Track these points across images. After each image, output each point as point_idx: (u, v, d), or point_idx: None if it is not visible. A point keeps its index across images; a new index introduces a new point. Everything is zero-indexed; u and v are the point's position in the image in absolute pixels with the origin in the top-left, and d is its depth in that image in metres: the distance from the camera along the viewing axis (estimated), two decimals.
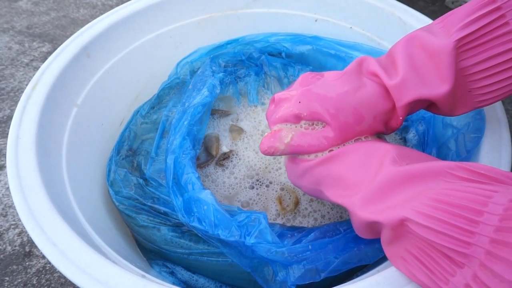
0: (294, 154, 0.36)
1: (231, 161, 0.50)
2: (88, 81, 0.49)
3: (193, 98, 0.46)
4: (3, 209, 0.60)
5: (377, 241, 0.35)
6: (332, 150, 0.34)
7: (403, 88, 0.32)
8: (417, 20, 0.51)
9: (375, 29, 0.55)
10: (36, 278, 0.53)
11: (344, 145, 0.34)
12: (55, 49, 0.59)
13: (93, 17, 0.96)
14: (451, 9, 0.98)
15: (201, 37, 0.58)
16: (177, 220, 0.42)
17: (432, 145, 0.43)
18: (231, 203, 0.47)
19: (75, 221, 0.36)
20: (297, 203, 0.46)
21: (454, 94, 0.32)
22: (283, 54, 0.56)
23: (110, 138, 0.52)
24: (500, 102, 0.40)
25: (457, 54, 0.30)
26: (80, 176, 0.43)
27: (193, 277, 0.42)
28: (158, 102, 0.54)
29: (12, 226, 0.58)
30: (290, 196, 0.47)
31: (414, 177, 0.27)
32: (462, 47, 0.30)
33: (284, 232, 0.38)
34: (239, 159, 0.50)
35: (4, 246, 0.56)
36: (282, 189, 0.47)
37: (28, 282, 0.52)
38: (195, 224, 0.35)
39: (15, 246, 0.56)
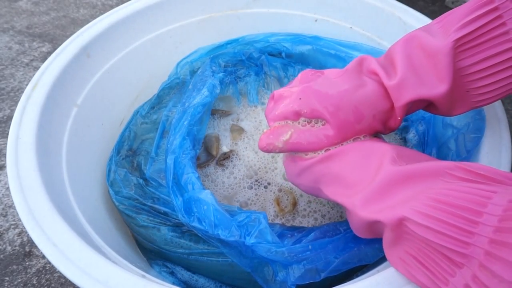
0: (292, 151, 0.36)
1: (231, 161, 0.50)
2: (88, 81, 0.49)
3: (193, 98, 0.46)
4: (3, 209, 0.60)
5: (377, 241, 0.35)
6: (329, 149, 0.34)
7: (401, 88, 0.32)
8: (417, 20, 0.51)
9: (375, 29, 0.55)
10: (36, 278, 0.53)
11: (342, 144, 0.34)
12: (55, 49, 0.59)
13: (93, 17, 0.96)
14: (451, 9, 0.98)
15: (201, 37, 0.58)
16: (177, 220, 0.42)
17: (432, 145, 0.43)
18: (230, 203, 0.47)
19: (75, 221, 0.36)
20: (295, 204, 0.46)
21: (452, 94, 0.32)
22: (283, 54, 0.56)
23: (110, 138, 0.52)
24: (500, 102, 0.40)
25: (455, 54, 0.30)
26: (80, 176, 0.43)
27: (193, 277, 0.42)
28: (158, 102, 0.54)
29: (12, 226, 0.58)
30: (288, 197, 0.46)
31: (413, 177, 0.27)
32: (460, 47, 0.30)
33: (284, 232, 0.38)
34: (239, 159, 0.50)
35: (4, 246, 0.56)
36: (279, 190, 0.47)
37: (28, 282, 0.52)
38: (195, 224, 0.35)
39: (15, 246, 0.56)
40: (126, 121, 0.53)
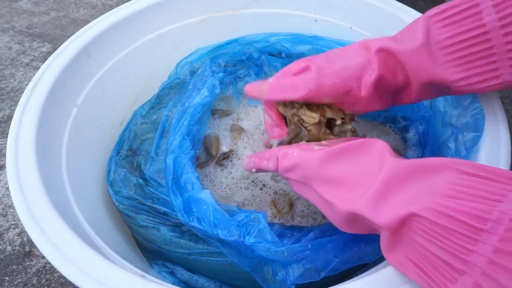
0: (272, 99, 0.38)
1: (231, 160, 0.50)
2: (88, 81, 0.49)
3: (193, 98, 0.46)
4: (3, 209, 0.60)
5: (377, 240, 0.35)
6: (324, 148, 0.33)
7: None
8: None
9: (375, 29, 0.55)
10: (36, 278, 0.53)
11: (333, 140, 0.35)
12: (55, 49, 0.59)
13: (93, 17, 0.96)
14: None
15: (201, 37, 0.58)
16: (176, 220, 0.42)
17: (432, 145, 0.43)
18: (228, 204, 0.47)
19: (75, 221, 0.36)
20: (291, 205, 0.46)
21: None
22: (283, 54, 0.56)
23: (110, 138, 0.52)
24: (499, 101, 0.40)
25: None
26: (80, 176, 0.43)
27: (193, 277, 0.42)
28: (158, 102, 0.54)
29: (12, 226, 0.58)
30: (284, 198, 0.46)
31: (417, 171, 0.26)
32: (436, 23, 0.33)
33: (284, 231, 0.38)
34: (238, 158, 0.50)
35: (4, 246, 0.56)
36: (275, 192, 0.47)
37: (28, 282, 0.52)
38: (195, 223, 0.35)
39: (15, 246, 0.56)
40: (126, 121, 0.53)
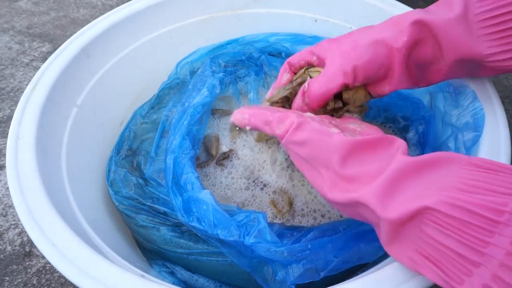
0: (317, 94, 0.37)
1: (231, 160, 0.50)
2: (88, 81, 0.49)
3: (193, 98, 0.46)
4: (3, 209, 0.60)
5: (377, 239, 0.35)
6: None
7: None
8: None
9: None
10: (36, 278, 0.53)
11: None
12: (55, 49, 0.59)
13: (93, 17, 0.96)
14: None
15: (201, 37, 0.58)
16: (176, 220, 0.42)
17: (431, 144, 0.43)
18: (228, 204, 0.47)
19: (75, 221, 0.36)
20: (290, 203, 0.46)
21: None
22: (283, 54, 0.56)
23: (110, 138, 0.52)
24: (499, 101, 0.40)
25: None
26: (80, 176, 0.43)
27: (192, 277, 0.42)
28: (158, 102, 0.54)
29: (12, 226, 0.58)
30: (283, 198, 0.46)
31: (427, 166, 0.26)
32: None
33: (283, 231, 0.38)
34: (238, 158, 0.50)
35: (4, 246, 0.56)
36: (274, 192, 0.47)
37: (28, 282, 0.52)
38: (195, 224, 0.35)
39: (15, 246, 0.56)
40: (126, 121, 0.53)
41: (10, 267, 0.53)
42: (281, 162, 0.48)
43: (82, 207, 0.39)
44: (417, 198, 0.24)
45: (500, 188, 0.22)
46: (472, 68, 0.35)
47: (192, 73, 0.55)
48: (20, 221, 0.57)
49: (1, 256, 0.55)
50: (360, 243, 0.35)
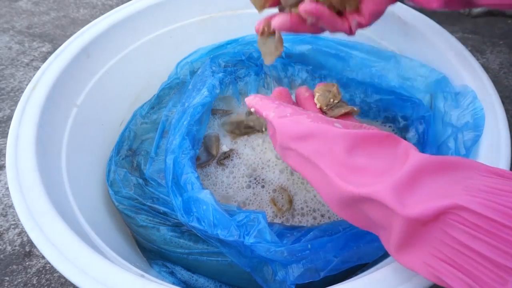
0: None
1: (232, 160, 0.50)
2: (88, 81, 0.49)
3: (193, 98, 0.46)
4: (3, 209, 0.60)
5: (377, 239, 0.35)
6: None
7: None
8: (417, 20, 0.51)
9: (375, 29, 0.55)
10: (36, 278, 0.53)
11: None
12: (55, 49, 0.59)
13: (93, 17, 0.96)
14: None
15: (201, 37, 0.58)
16: (176, 220, 0.42)
17: (432, 144, 0.43)
18: (229, 203, 0.47)
19: (75, 221, 0.37)
20: (291, 201, 0.46)
21: None
22: (283, 54, 0.56)
23: (110, 138, 0.52)
24: (499, 101, 0.40)
25: None
26: (79, 176, 0.43)
27: (192, 277, 0.42)
28: (158, 102, 0.54)
29: (12, 226, 0.58)
30: (283, 195, 0.47)
31: (446, 166, 0.24)
32: None
33: (283, 231, 0.38)
34: (239, 157, 0.50)
35: (4, 246, 0.56)
36: (274, 190, 0.47)
37: (28, 282, 0.52)
38: (194, 224, 0.35)
39: (15, 246, 0.56)
40: (126, 121, 0.53)
41: (10, 267, 0.53)
42: None
43: (82, 207, 0.39)
44: (442, 196, 0.22)
45: None
46: None
47: (192, 73, 0.55)
48: (20, 221, 0.57)
49: (1, 256, 0.55)
50: (360, 243, 0.35)
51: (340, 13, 0.38)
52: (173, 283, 0.41)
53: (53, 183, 0.38)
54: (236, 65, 0.56)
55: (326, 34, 0.56)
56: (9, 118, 0.72)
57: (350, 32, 0.39)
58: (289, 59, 0.57)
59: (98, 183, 0.48)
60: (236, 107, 0.56)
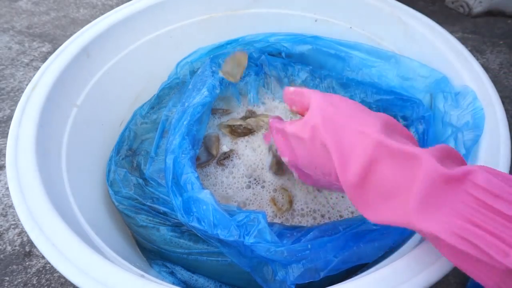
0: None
1: (232, 160, 0.50)
2: (88, 81, 0.49)
3: (193, 98, 0.46)
4: (3, 209, 0.60)
5: (377, 239, 0.35)
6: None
7: None
8: (417, 20, 0.51)
9: (375, 29, 0.55)
10: (36, 278, 0.53)
11: None
12: (55, 49, 0.59)
13: (93, 17, 0.96)
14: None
15: (201, 37, 0.58)
16: (176, 220, 0.42)
17: (431, 144, 0.43)
18: (229, 203, 0.47)
19: (75, 221, 0.36)
20: (291, 202, 0.46)
21: None
22: (283, 54, 0.56)
23: (110, 138, 0.52)
24: (499, 101, 0.40)
25: None
26: (79, 176, 0.43)
27: (192, 277, 0.42)
28: (158, 102, 0.54)
29: (12, 226, 0.58)
30: (283, 195, 0.47)
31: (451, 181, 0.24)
32: None
33: (283, 231, 0.38)
34: (239, 158, 0.50)
35: (4, 246, 0.56)
36: (274, 190, 0.47)
37: (28, 282, 0.52)
38: (194, 224, 0.35)
39: (15, 246, 0.56)
40: (126, 121, 0.53)
41: (10, 267, 0.53)
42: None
43: (82, 207, 0.39)
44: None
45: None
46: None
47: (192, 73, 0.55)
48: (20, 221, 0.57)
49: (1, 256, 0.55)
50: (360, 243, 0.35)
51: None
52: (173, 283, 0.41)
53: (53, 183, 0.38)
54: None
55: (326, 34, 0.57)
56: (9, 118, 0.72)
57: None
58: (289, 59, 0.57)
59: (98, 183, 0.48)
60: (236, 106, 0.56)
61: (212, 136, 0.52)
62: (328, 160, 0.31)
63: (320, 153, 0.32)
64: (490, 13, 0.93)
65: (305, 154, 0.35)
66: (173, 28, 0.57)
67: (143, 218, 0.43)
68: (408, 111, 0.49)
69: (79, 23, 0.95)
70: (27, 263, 0.54)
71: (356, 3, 0.55)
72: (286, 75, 0.57)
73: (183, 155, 0.41)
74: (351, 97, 0.53)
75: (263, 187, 0.48)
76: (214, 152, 0.51)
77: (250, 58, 0.56)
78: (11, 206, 0.60)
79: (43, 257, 0.55)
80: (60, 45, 0.47)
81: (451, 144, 0.41)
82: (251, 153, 0.51)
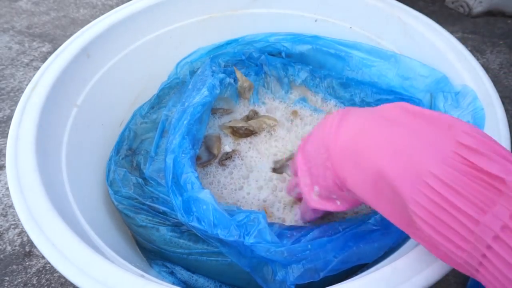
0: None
1: (233, 161, 0.50)
2: (88, 81, 0.49)
3: (193, 98, 0.46)
4: (3, 209, 0.60)
5: (376, 240, 0.35)
6: None
7: None
8: (417, 20, 0.51)
9: (375, 29, 0.55)
10: (36, 278, 0.53)
11: None
12: (55, 49, 0.59)
13: (93, 17, 0.96)
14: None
15: (201, 37, 0.58)
16: (176, 220, 0.42)
17: None
18: (227, 203, 0.47)
19: (74, 221, 0.36)
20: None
21: None
22: (283, 54, 0.56)
23: (110, 138, 0.52)
24: (499, 101, 0.40)
25: None
26: (79, 176, 0.43)
27: (192, 277, 0.42)
28: (158, 102, 0.54)
29: (12, 226, 0.58)
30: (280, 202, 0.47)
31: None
32: None
33: (283, 231, 0.38)
34: (241, 159, 0.50)
35: (4, 246, 0.56)
36: (264, 200, 0.47)
37: (28, 282, 0.52)
38: (194, 223, 0.35)
39: (15, 246, 0.56)
40: (126, 121, 0.53)
41: (10, 267, 0.53)
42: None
43: (82, 207, 0.39)
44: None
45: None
46: None
47: (192, 73, 0.55)
48: (20, 221, 0.57)
49: (1, 256, 0.55)
50: (360, 243, 0.35)
51: None
52: (173, 283, 0.41)
53: (53, 183, 0.38)
54: (236, 65, 0.56)
55: (326, 34, 0.57)
56: (9, 118, 0.72)
57: None
58: (289, 59, 0.57)
59: (98, 183, 0.48)
60: (237, 106, 0.56)
61: (213, 136, 0.52)
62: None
63: None
64: (490, 13, 0.93)
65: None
66: (173, 28, 0.57)
67: (143, 218, 0.43)
68: None
69: (79, 23, 0.95)
70: (27, 263, 0.54)
71: (356, 3, 0.55)
72: (286, 75, 0.57)
73: (183, 155, 0.41)
74: (351, 97, 0.53)
75: (259, 189, 0.48)
76: (215, 152, 0.51)
77: (250, 58, 0.56)
78: (11, 206, 0.60)
79: (43, 257, 0.55)
80: (60, 45, 0.47)
81: None
82: (256, 155, 0.51)
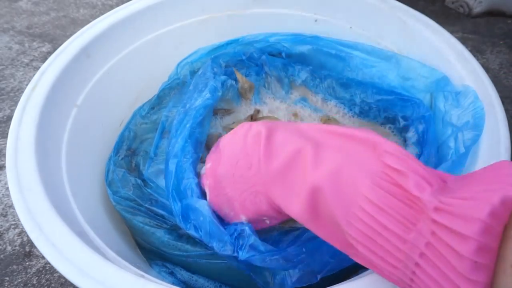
0: None
1: None
2: (88, 81, 0.49)
3: (195, 100, 0.46)
4: (3, 209, 0.60)
5: None
6: None
7: None
8: (417, 20, 0.50)
9: (375, 29, 0.55)
10: (36, 278, 0.53)
11: None
12: (55, 49, 0.59)
13: (93, 17, 0.96)
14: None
15: (201, 37, 0.58)
16: (174, 223, 0.42)
17: (432, 144, 0.43)
18: None
19: (74, 221, 0.36)
20: None
21: None
22: (283, 54, 0.56)
23: (110, 138, 0.52)
24: (499, 101, 0.40)
25: None
26: (79, 176, 0.43)
27: (192, 277, 0.42)
28: (158, 102, 0.54)
29: (12, 226, 0.58)
30: None
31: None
32: None
33: (282, 238, 0.38)
34: None
35: (4, 246, 0.56)
36: None
37: (28, 282, 0.52)
38: (192, 232, 0.36)
39: (15, 246, 0.56)
40: (126, 121, 0.53)
41: (10, 267, 0.53)
42: None
43: (82, 207, 0.39)
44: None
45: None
46: None
47: (192, 73, 0.55)
48: (20, 221, 0.57)
49: (1, 256, 0.55)
50: None
51: None
52: (173, 283, 0.41)
53: (53, 183, 0.38)
54: (237, 65, 0.56)
55: (326, 34, 0.57)
56: (9, 118, 0.72)
57: None
58: (289, 59, 0.57)
59: (98, 183, 0.47)
60: (238, 106, 0.56)
61: (213, 135, 0.52)
62: None
63: None
64: (490, 13, 0.93)
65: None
66: (173, 28, 0.57)
67: (141, 220, 0.42)
68: (408, 111, 0.48)
69: (79, 23, 0.95)
70: (27, 263, 0.54)
71: (356, 3, 0.55)
72: (286, 75, 0.57)
73: (185, 159, 0.41)
74: (351, 97, 0.53)
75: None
76: None
77: (250, 58, 0.56)
78: (11, 206, 0.60)
79: (43, 257, 0.55)
80: (60, 45, 0.47)
81: (451, 143, 0.41)
82: None
